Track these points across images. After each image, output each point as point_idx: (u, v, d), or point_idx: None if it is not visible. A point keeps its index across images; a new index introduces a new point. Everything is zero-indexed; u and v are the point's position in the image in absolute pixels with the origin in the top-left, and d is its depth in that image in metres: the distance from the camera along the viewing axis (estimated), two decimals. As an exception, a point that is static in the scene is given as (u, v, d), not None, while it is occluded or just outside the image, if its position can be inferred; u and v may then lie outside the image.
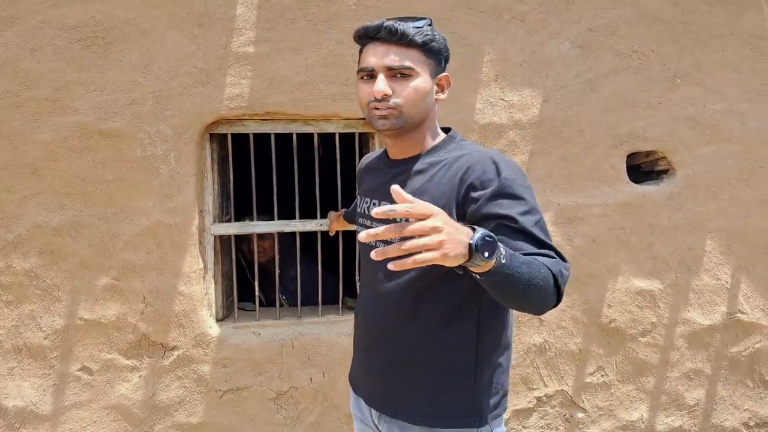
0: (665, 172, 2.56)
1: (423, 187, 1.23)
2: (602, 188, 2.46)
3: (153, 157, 2.21)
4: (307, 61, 2.24)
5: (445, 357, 1.23)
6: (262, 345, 2.33)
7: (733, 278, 2.59)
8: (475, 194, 1.13)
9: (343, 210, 2.29)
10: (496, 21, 2.36)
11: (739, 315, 2.60)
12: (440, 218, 0.87)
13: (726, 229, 2.55)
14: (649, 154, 2.54)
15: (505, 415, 1.64)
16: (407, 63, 1.20)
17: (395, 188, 0.88)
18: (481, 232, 0.92)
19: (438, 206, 1.11)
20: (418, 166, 1.28)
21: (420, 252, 0.85)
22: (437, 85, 1.28)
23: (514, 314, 1.44)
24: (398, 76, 1.20)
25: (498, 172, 1.13)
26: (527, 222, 1.09)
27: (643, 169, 2.64)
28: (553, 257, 1.07)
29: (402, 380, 1.28)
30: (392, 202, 1.27)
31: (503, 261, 0.94)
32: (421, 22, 1.22)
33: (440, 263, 0.86)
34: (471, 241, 0.90)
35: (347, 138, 2.80)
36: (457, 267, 0.93)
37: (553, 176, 2.43)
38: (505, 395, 1.30)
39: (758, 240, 2.58)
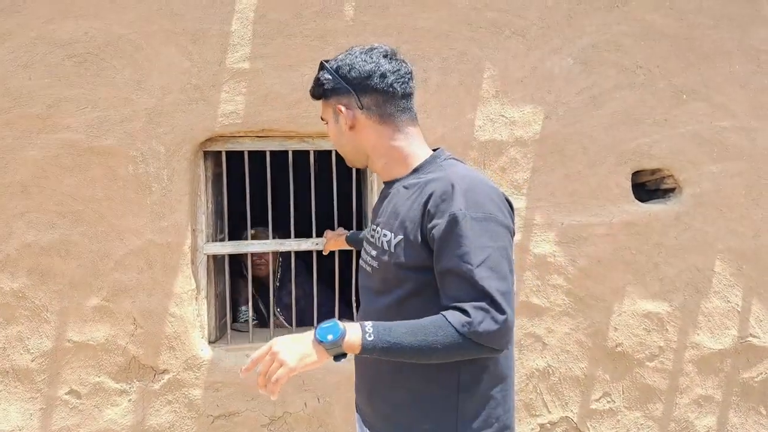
0: (672, 190, 2.49)
1: (397, 211, 1.23)
2: (607, 207, 2.39)
3: (145, 175, 2.16)
4: (303, 77, 2.20)
5: (426, 383, 1.20)
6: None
7: (744, 300, 2.50)
8: (431, 223, 1.13)
9: (341, 229, 2.24)
10: (496, 37, 2.31)
11: (750, 339, 2.51)
12: (276, 344, 1.05)
13: (736, 249, 2.47)
14: (654, 171, 2.47)
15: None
16: (322, 116, 1.32)
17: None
18: (321, 325, 1.05)
19: (406, 230, 1.18)
20: (397, 188, 1.28)
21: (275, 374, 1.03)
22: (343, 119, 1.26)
23: (513, 344, 1.38)
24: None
25: (451, 204, 1.11)
26: (465, 266, 1.07)
27: (648, 187, 2.57)
28: (485, 309, 1.04)
29: (385, 402, 1.27)
30: (379, 223, 1.31)
31: (370, 338, 1.04)
32: (319, 72, 1.28)
33: (301, 370, 1.04)
34: (312, 337, 1.04)
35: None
36: (337, 358, 1.06)
37: (555, 195, 2.37)
38: (503, 430, 1.23)
39: (770, 261, 2.50)
